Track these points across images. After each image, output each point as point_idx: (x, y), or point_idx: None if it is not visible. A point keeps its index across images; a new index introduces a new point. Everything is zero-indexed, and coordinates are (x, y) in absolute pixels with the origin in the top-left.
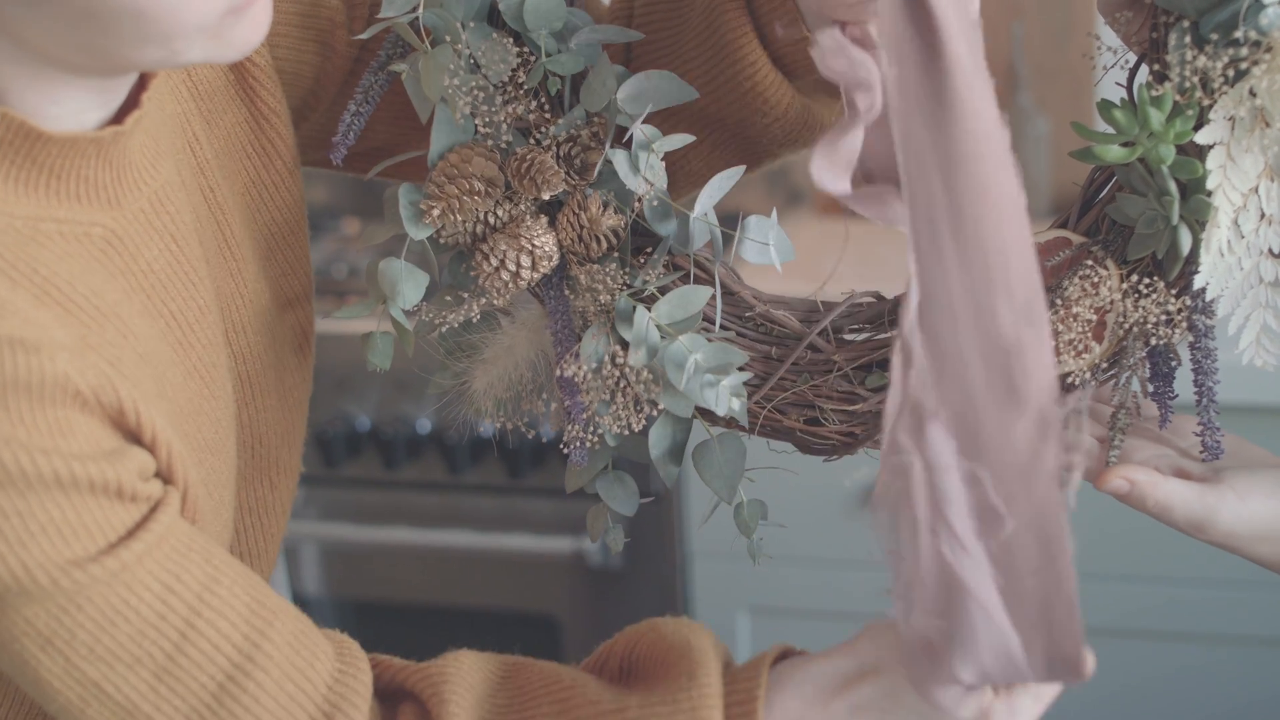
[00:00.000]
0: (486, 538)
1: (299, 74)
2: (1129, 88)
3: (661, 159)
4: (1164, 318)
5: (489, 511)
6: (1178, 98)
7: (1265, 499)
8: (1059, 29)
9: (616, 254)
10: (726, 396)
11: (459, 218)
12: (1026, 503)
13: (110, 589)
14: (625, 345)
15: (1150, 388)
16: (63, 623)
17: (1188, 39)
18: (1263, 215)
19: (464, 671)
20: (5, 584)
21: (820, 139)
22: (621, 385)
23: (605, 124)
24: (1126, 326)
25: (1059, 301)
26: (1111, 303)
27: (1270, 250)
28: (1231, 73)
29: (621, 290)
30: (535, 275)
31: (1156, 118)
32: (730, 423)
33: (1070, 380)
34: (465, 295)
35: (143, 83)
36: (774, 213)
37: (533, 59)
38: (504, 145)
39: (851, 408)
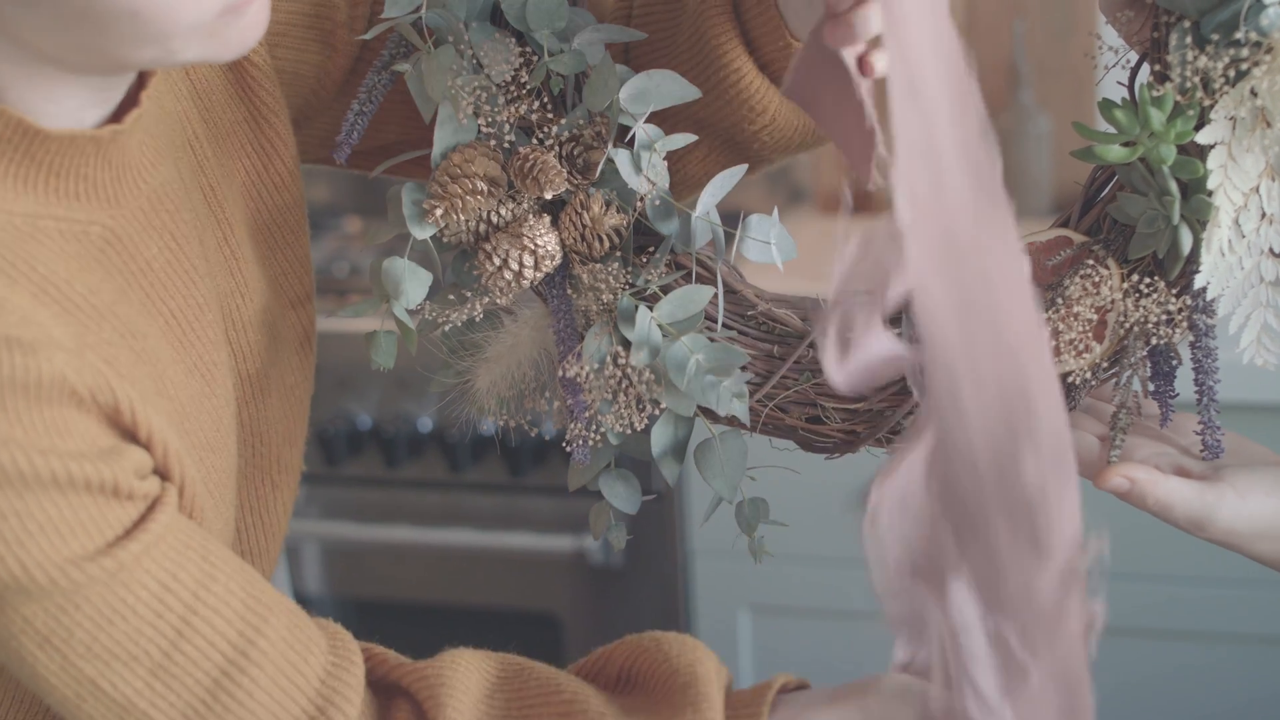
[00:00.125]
0: (488, 536)
1: (299, 74)
2: (1130, 87)
3: (663, 159)
4: (1165, 317)
5: (490, 510)
6: (1179, 98)
7: (1265, 497)
8: (1061, 27)
9: (619, 253)
10: (728, 397)
11: (462, 217)
12: (1050, 655)
13: (108, 588)
14: (627, 345)
15: (1151, 387)
16: (60, 621)
17: (1189, 39)
18: (1263, 215)
19: (460, 674)
20: (4, 582)
21: (833, 324)
22: (624, 385)
23: (608, 123)
24: (1127, 326)
25: (1060, 300)
26: (1112, 302)
27: (1271, 250)
28: (1232, 73)
29: (624, 289)
30: (538, 274)
31: (1157, 117)
32: (732, 421)
33: (1071, 380)
34: (468, 294)
35: (142, 81)
36: (775, 211)
37: (535, 58)
38: (507, 145)
39: (853, 406)
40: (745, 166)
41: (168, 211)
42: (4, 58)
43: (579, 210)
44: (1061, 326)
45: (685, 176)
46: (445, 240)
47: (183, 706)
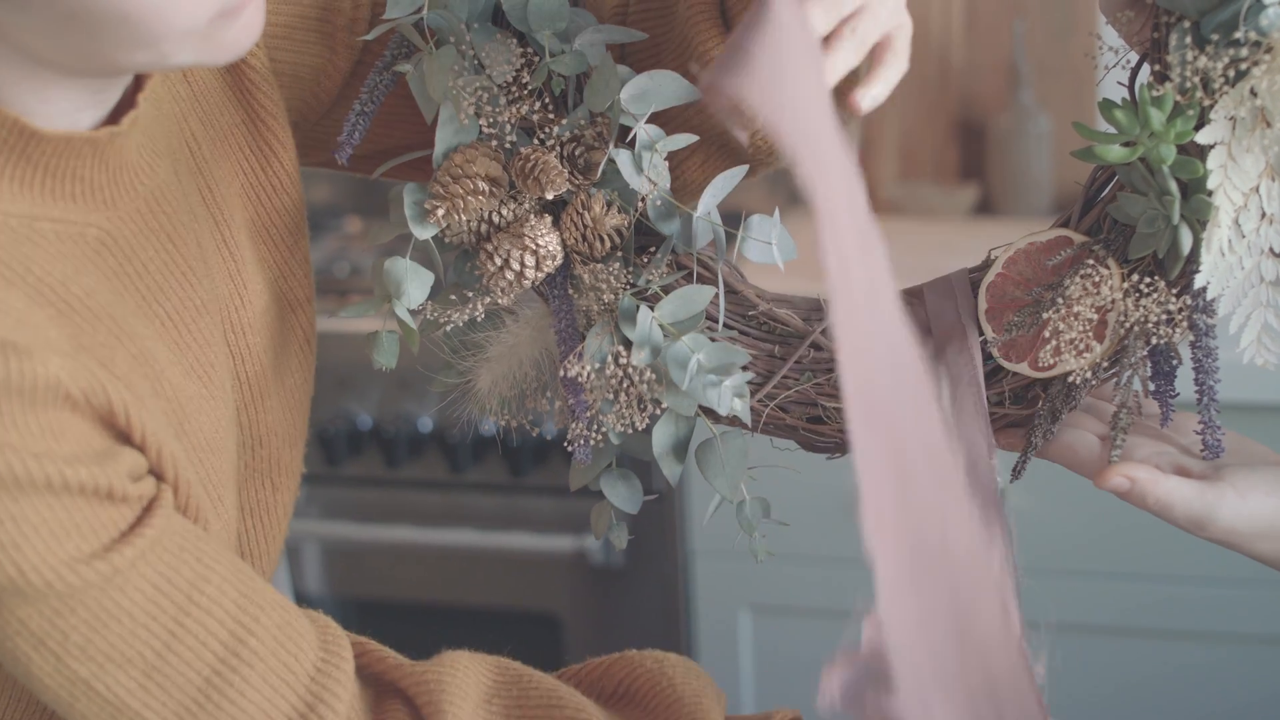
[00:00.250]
0: (488, 536)
1: (298, 75)
2: (1130, 87)
3: (665, 159)
4: (1165, 317)
5: (491, 510)
6: (1179, 98)
7: (1265, 496)
8: (1061, 27)
9: (620, 253)
10: (729, 397)
11: (463, 217)
12: None
13: (103, 593)
14: (629, 344)
15: (1151, 386)
16: (56, 624)
17: (1189, 39)
18: (1263, 215)
19: (460, 679)
20: (0, 585)
21: None
22: (625, 384)
23: (609, 124)
24: (1128, 325)
25: (1060, 300)
26: (1113, 302)
27: (1271, 249)
28: (1232, 73)
29: (625, 289)
30: (539, 274)
31: (1157, 117)
32: (733, 421)
33: (1071, 380)
34: (470, 294)
35: (139, 83)
36: (776, 212)
37: (536, 59)
38: (508, 145)
39: None
40: (746, 167)
41: (165, 213)
42: None
43: (580, 210)
44: (1062, 326)
45: (684, 183)
46: (447, 240)
47: (175, 706)
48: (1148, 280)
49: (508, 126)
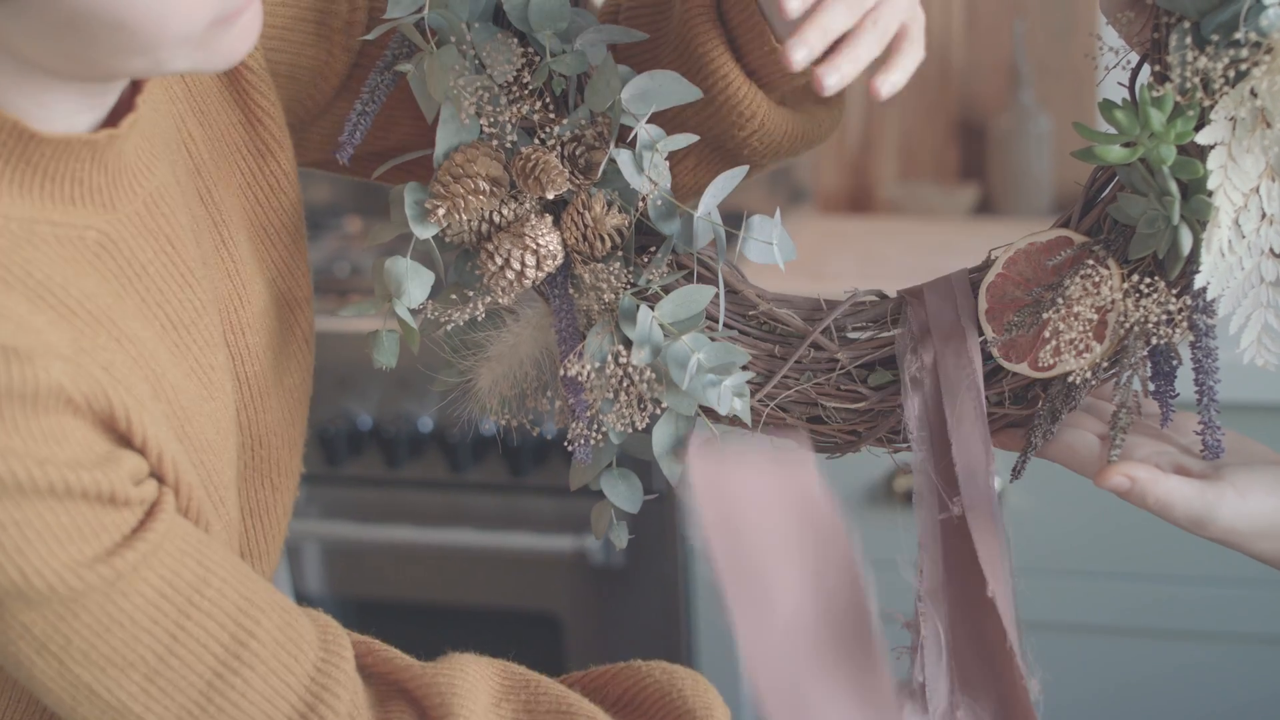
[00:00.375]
0: (488, 536)
1: (295, 76)
2: (1130, 88)
3: (665, 159)
4: (1165, 317)
5: (491, 510)
6: (1179, 98)
7: (1265, 495)
8: (1061, 27)
9: (620, 253)
10: (729, 396)
11: (464, 217)
12: None
13: (106, 597)
14: (629, 344)
15: (1151, 386)
16: (58, 629)
17: (1189, 40)
18: (1264, 215)
19: (469, 682)
20: (3, 589)
21: None
22: (625, 384)
23: (610, 124)
24: (1128, 326)
25: (1060, 300)
26: (1113, 302)
27: (1271, 250)
28: (1232, 73)
29: (625, 289)
30: (540, 274)
31: (1158, 118)
32: (733, 420)
33: (1071, 380)
34: (470, 294)
35: (137, 85)
36: (777, 212)
37: (537, 59)
38: (509, 145)
39: (854, 406)
40: (746, 168)
41: (164, 215)
42: None
43: (581, 210)
44: (1062, 326)
45: (677, 186)
46: (447, 240)
47: (177, 709)
48: (1148, 280)
49: (508, 126)
